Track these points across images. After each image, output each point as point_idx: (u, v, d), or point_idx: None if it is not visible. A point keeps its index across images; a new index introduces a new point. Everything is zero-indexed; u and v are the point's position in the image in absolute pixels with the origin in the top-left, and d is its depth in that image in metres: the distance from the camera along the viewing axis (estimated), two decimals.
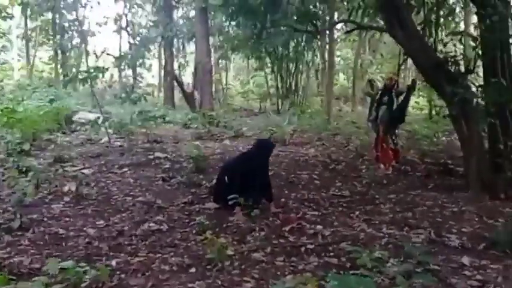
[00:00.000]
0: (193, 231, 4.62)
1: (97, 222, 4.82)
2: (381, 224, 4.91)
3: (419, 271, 3.48)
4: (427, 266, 3.65)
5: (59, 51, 23.78)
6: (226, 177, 5.44)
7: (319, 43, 18.82)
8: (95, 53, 25.24)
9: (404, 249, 4.06)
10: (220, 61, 25.91)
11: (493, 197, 5.67)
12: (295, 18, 9.78)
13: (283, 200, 5.79)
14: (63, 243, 4.19)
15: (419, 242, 4.29)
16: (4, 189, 5.82)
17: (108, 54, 25.39)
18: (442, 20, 6.75)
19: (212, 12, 17.71)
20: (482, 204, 5.52)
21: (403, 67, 14.15)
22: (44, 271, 3.49)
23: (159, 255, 3.98)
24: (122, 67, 25.17)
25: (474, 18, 12.31)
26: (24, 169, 6.50)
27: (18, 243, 4.10)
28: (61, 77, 22.29)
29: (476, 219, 5.03)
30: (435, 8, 7.07)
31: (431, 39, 6.36)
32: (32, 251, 3.96)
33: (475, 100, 5.87)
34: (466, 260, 3.92)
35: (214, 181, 5.89)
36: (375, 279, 3.32)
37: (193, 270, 3.70)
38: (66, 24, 23.31)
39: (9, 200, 5.32)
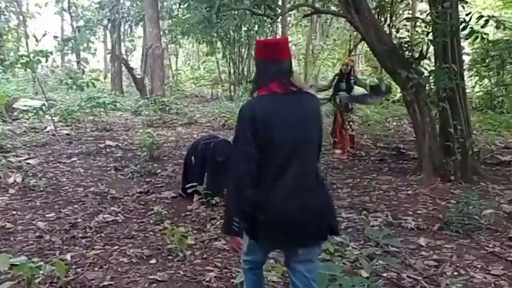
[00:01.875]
0: (151, 222, 4.49)
1: (47, 215, 4.57)
2: (339, 208, 4.95)
3: (379, 253, 3.53)
4: (386, 248, 3.73)
5: None
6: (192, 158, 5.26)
7: (271, 28, 18.76)
8: (34, 36, 23.86)
9: (364, 232, 4.14)
10: (169, 46, 25.28)
11: (444, 179, 5.88)
12: (249, 1, 9.63)
13: None
14: (12, 238, 3.94)
15: (378, 225, 4.37)
16: None
17: (55, 37, 24.10)
18: (394, 6, 6.83)
19: None
20: (435, 186, 5.72)
21: (353, 52, 14.36)
22: None
23: (117, 247, 3.83)
24: (65, 51, 23.99)
25: (421, 5, 12.70)
26: None
27: None
28: None
29: (430, 201, 5.20)
30: None
31: (386, 25, 6.44)
32: None
33: (427, 85, 6.02)
34: (422, 240, 4.05)
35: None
36: (337, 263, 3.34)
37: (153, 261, 3.60)
38: (3, 5, 21.86)
39: None
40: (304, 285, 2.28)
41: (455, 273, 3.40)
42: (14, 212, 4.61)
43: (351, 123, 7.94)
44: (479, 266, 3.54)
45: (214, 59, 21.55)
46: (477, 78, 13.05)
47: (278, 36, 18.21)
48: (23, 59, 8.99)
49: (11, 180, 5.53)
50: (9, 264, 3.11)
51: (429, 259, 3.68)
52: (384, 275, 3.36)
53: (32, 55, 9.11)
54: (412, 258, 3.68)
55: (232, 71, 19.59)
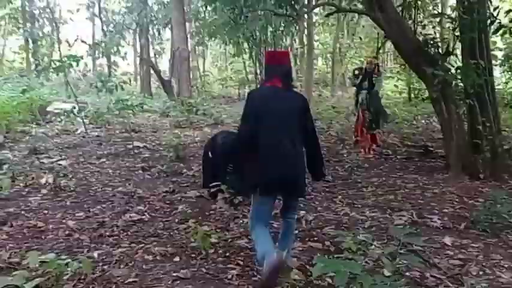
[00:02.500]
0: (176, 220, 4.56)
1: (77, 214, 4.71)
2: (363, 207, 4.93)
3: (402, 252, 3.50)
4: (410, 247, 3.68)
5: (30, 40, 23.07)
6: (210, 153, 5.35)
7: (298, 27, 18.71)
8: (67, 41, 24.59)
9: (388, 231, 4.10)
10: (196, 48, 25.57)
11: (473, 177, 5.76)
12: (272, 2, 9.64)
13: None
14: (43, 236, 4.08)
15: (402, 224, 4.32)
16: None
17: (82, 41, 24.75)
18: (420, 2, 6.72)
19: None
20: (462, 184, 5.60)
21: (381, 50, 14.19)
22: (23, 265, 3.39)
23: (142, 245, 3.91)
24: (96, 55, 24.61)
25: (451, 1, 12.44)
26: None
27: None
28: (32, 67, 21.67)
29: (457, 199, 5.10)
30: None
31: (411, 22, 6.34)
32: (11, 245, 3.83)
33: (454, 82, 5.90)
34: (447, 239, 3.97)
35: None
36: (359, 261, 3.32)
37: (177, 259, 3.65)
38: (37, 12, 22.61)
39: None
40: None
41: (481, 273, 3.33)
42: (46, 212, 4.77)
43: (373, 123, 7.83)
44: (506, 266, 3.45)
45: (241, 59, 21.66)
46: (510, 73, 12.67)
47: (304, 36, 18.18)
48: (55, 64, 9.30)
49: (43, 180, 5.73)
50: (39, 261, 3.25)
51: (454, 258, 3.61)
52: (407, 274, 3.32)
53: (64, 60, 9.41)
54: (436, 257, 3.63)
55: (258, 71, 19.61)
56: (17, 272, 3.19)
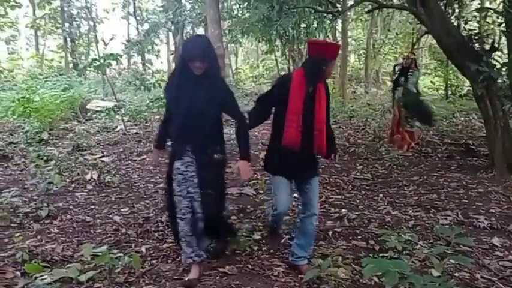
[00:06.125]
0: None
1: (122, 210, 4.84)
2: (406, 206, 4.87)
3: (450, 252, 3.44)
4: (458, 248, 3.62)
5: (68, 39, 23.71)
6: None
7: (331, 24, 18.54)
8: (103, 40, 25.16)
9: (433, 230, 4.04)
10: (229, 45, 25.68)
11: None
12: None
13: None
14: (92, 231, 4.21)
15: (447, 224, 4.25)
16: (28, 179, 5.85)
17: (127, 41, 25.22)
18: None
19: None
20: (508, 184, 5.45)
21: (416, 46, 13.89)
22: (76, 258, 3.52)
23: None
24: (131, 54, 25.06)
25: None
26: (45, 158, 6.53)
27: (48, 232, 4.13)
28: (70, 65, 22.28)
29: (504, 199, 4.97)
30: None
31: (454, 17, 6.20)
32: (62, 238, 3.98)
33: (499, 79, 5.74)
34: (496, 240, 3.89)
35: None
36: (406, 261, 3.29)
37: None
38: (75, 12, 23.20)
39: (34, 189, 5.37)
40: None
41: None
42: (92, 207, 4.92)
43: (409, 120, 7.65)
44: None
45: (273, 57, 21.63)
46: None
47: (338, 32, 18.00)
48: (95, 62, 9.54)
49: (88, 176, 5.90)
50: (92, 253, 3.37)
51: (504, 260, 3.54)
52: (456, 274, 3.28)
53: (101, 59, 9.65)
54: (485, 258, 3.56)
55: (291, 68, 19.56)
56: (71, 264, 3.32)
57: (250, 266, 3.47)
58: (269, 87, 3.70)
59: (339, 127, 10.38)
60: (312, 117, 3.21)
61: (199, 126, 3.03)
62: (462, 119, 10.90)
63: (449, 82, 14.21)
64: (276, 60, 21.54)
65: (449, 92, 14.43)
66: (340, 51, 14.62)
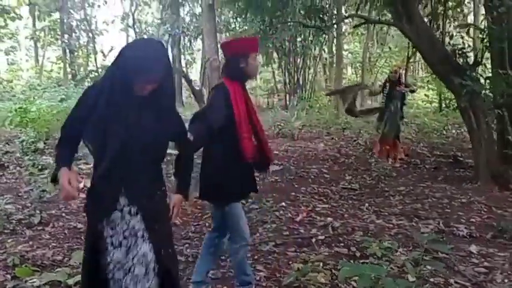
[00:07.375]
0: (206, 225, 4.73)
1: None
2: (390, 215, 5.00)
3: (427, 259, 3.56)
4: (435, 254, 3.74)
5: (67, 51, 23.96)
6: None
7: (327, 37, 18.82)
8: (102, 52, 25.41)
9: (413, 238, 4.16)
10: None
11: (502, 187, 5.73)
12: (302, 13, 9.81)
13: (293, 193, 5.88)
14: (83, 237, 4.31)
15: (428, 232, 4.37)
16: (22, 186, 5.98)
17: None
18: (450, 12, 6.75)
19: (219, 9, 17.78)
20: (491, 194, 5.59)
21: (412, 60, 14.11)
22: (65, 263, 3.63)
23: (175, 247, 4.08)
24: None
25: (483, 10, 12.30)
26: (39, 167, 6.66)
27: (40, 238, 4.25)
28: (69, 77, 22.51)
29: (485, 209, 5.09)
30: (443, 0, 7.09)
31: (439, 32, 6.39)
32: (54, 244, 4.10)
33: (483, 92, 5.91)
34: (473, 248, 4.00)
35: None
36: (384, 267, 3.41)
37: None
38: (74, 24, 23.50)
39: (27, 197, 5.49)
40: None
41: (506, 281, 3.36)
42: (84, 214, 4.98)
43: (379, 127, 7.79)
44: None
45: (270, 69, 21.90)
46: None
47: (333, 45, 18.22)
48: (92, 73, 9.72)
49: (81, 185, 5.99)
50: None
51: (479, 266, 3.65)
52: (431, 280, 3.39)
53: (100, 70, 9.84)
54: (461, 264, 3.67)
55: (287, 80, 19.81)
56: (60, 269, 3.44)
57: (233, 271, 3.58)
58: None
59: (332, 138, 10.55)
60: (255, 122, 3.04)
61: (140, 167, 2.08)
62: (454, 131, 11.07)
63: (443, 95, 14.39)
64: (273, 72, 21.81)
65: (443, 105, 14.60)
66: (335, 65, 14.76)
